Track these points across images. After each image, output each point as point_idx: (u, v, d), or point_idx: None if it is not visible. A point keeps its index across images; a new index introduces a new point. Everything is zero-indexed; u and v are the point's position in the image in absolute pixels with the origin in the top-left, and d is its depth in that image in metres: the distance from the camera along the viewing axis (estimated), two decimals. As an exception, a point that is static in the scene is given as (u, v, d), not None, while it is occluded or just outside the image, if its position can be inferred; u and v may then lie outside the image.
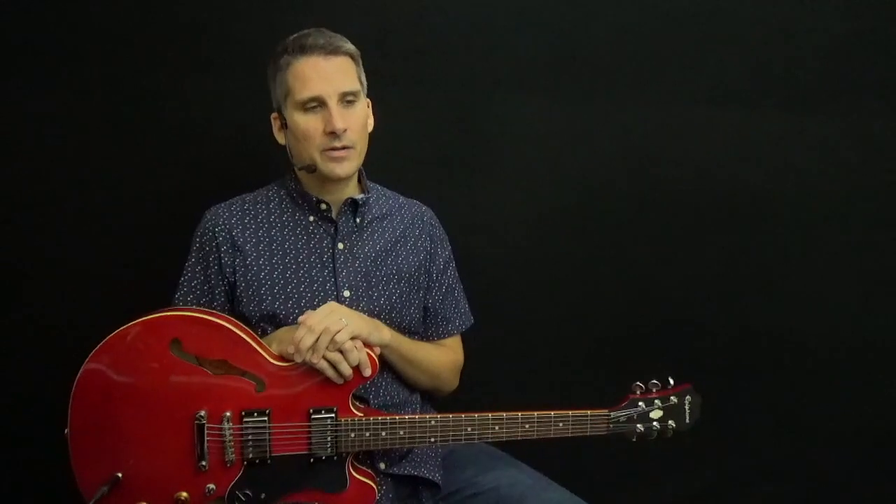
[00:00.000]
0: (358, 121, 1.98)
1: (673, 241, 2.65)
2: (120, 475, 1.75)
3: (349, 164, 1.98)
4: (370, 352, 1.82)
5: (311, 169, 1.98)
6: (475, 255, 2.44)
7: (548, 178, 2.59)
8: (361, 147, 2.01)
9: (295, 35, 1.98)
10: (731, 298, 2.70)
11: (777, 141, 2.67)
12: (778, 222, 2.69)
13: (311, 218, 2.05)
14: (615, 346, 2.66)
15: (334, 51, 1.95)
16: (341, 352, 1.77)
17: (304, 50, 1.94)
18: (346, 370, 1.78)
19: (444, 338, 2.18)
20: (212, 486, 1.78)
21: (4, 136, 2.37)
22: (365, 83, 2.05)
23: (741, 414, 2.69)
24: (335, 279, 2.00)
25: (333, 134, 1.93)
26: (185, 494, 1.77)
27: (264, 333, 1.95)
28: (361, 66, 2.04)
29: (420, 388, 2.10)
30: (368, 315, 1.96)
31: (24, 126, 2.38)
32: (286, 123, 2.00)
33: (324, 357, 1.76)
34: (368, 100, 2.09)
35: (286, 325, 1.94)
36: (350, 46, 1.99)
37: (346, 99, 1.96)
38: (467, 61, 2.52)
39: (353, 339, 1.79)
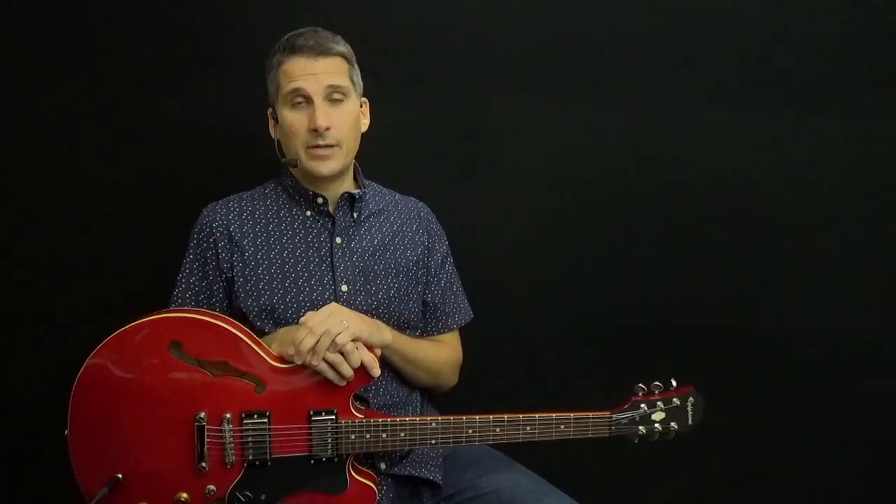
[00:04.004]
0: (345, 120, 1.99)
1: (673, 241, 2.65)
2: (120, 476, 1.75)
3: (333, 163, 1.99)
4: (374, 352, 1.82)
5: (294, 164, 2.00)
6: (475, 255, 2.44)
7: (548, 177, 2.59)
8: (349, 146, 2.02)
9: (290, 34, 2.00)
10: (732, 298, 2.69)
11: (777, 141, 2.66)
12: (778, 222, 2.68)
13: (308, 213, 2.06)
14: (616, 347, 2.65)
15: (324, 52, 1.96)
16: (342, 353, 1.77)
17: (293, 50, 1.96)
18: (347, 371, 1.77)
19: (443, 332, 2.18)
20: (212, 487, 1.78)
21: (4, 135, 2.38)
22: (359, 83, 2.06)
23: (741, 414, 2.69)
24: (333, 273, 2.00)
25: (316, 132, 1.94)
26: (185, 495, 1.77)
27: (263, 328, 1.95)
28: (356, 67, 2.05)
29: (420, 386, 2.11)
30: (367, 309, 1.97)
31: (23, 125, 2.39)
32: (277, 119, 2.02)
33: (324, 359, 1.76)
34: (365, 100, 2.10)
35: (285, 318, 1.95)
36: (342, 48, 2.00)
37: (333, 96, 1.97)
38: (467, 61, 2.51)
39: (353, 340, 1.78)
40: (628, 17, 2.56)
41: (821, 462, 2.77)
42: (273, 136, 2.08)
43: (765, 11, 2.60)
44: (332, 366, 1.77)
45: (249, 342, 1.80)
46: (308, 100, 1.95)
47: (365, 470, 1.88)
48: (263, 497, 1.79)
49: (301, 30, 1.99)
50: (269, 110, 2.07)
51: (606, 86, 2.58)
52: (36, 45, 2.35)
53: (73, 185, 2.42)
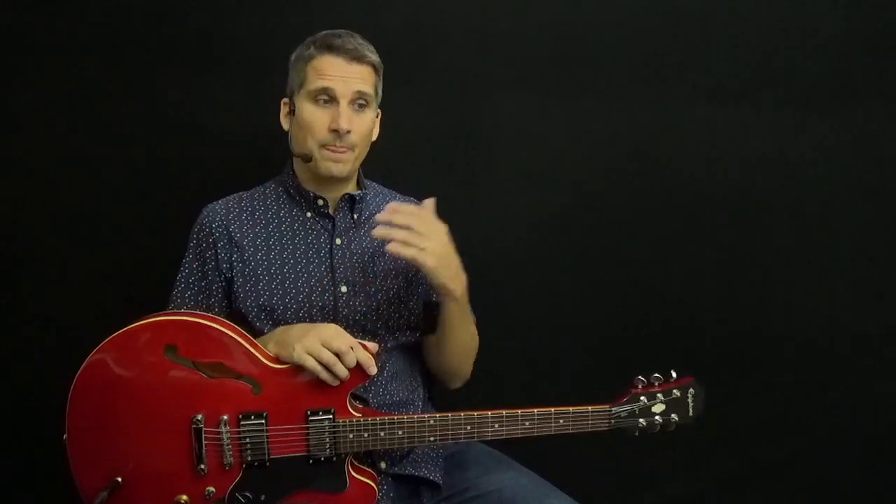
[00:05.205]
0: (363, 127, 2.01)
1: (672, 240, 2.64)
2: (120, 480, 1.75)
3: (344, 166, 2.00)
4: (370, 350, 1.80)
5: (307, 158, 2.00)
6: (475, 254, 2.39)
7: (547, 177, 2.59)
8: (360, 152, 2.04)
9: (326, 32, 2.02)
10: (731, 297, 2.68)
11: (777, 141, 2.65)
12: (778, 222, 2.67)
13: (309, 214, 2.06)
14: (616, 347, 2.64)
15: (359, 58, 1.98)
16: (337, 354, 1.76)
17: (331, 49, 1.97)
18: (342, 372, 1.76)
19: None
20: (211, 489, 1.77)
21: (5, 134, 2.40)
22: (380, 94, 2.09)
23: (741, 414, 2.67)
24: (332, 274, 2.00)
25: (336, 133, 1.95)
26: (185, 498, 1.76)
27: (262, 329, 1.95)
28: (381, 79, 2.07)
29: (445, 368, 2.11)
30: (366, 310, 1.99)
31: (24, 125, 2.41)
32: (294, 111, 2.02)
33: (318, 360, 1.75)
34: (379, 111, 2.12)
35: (284, 318, 1.95)
36: (375, 58, 2.03)
37: (358, 102, 1.99)
38: (467, 61, 2.52)
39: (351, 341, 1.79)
40: (628, 16, 2.56)
41: (821, 462, 2.75)
42: (285, 126, 2.09)
43: (765, 11, 2.60)
44: (325, 366, 1.76)
45: (245, 343, 1.80)
46: (334, 100, 1.96)
47: (364, 468, 1.87)
48: (263, 498, 1.79)
49: (337, 31, 2.02)
50: (285, 100, 2.08)
51: (606, 85, 2.58)
52: (35, 44, 2.38)
53: (73, 185, 2.44)
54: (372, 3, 2.46)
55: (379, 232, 1.83)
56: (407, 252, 1.81)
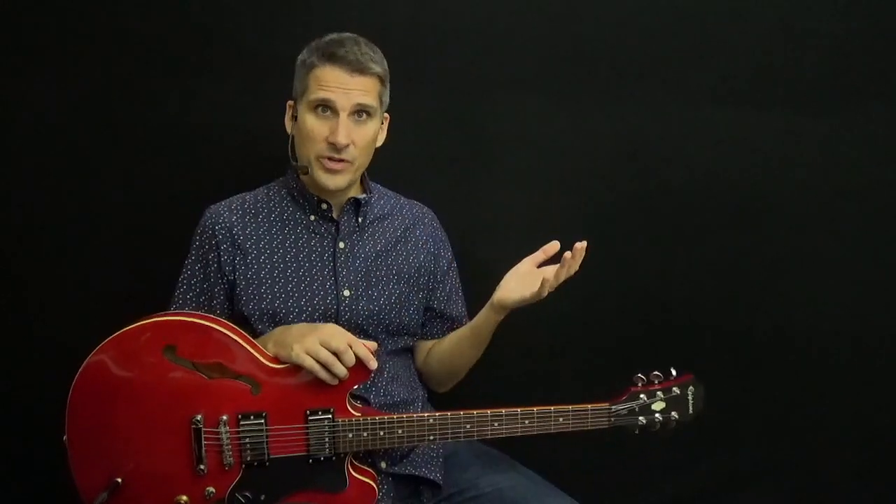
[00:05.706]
0: (364, 138, 1.97)
1: (672, 240, 2.63)
2: (119, 480, 1.75)
3: (342, 178, 1.97)
4: (369, 348, 1.80)
5: (304, 171, 1.98)
6: (475, 255, 2.42)
7: (548, 177, 2.58)
8: (361, 163, 2.01)
9: (331, 38, 1.98)
10: (731, 297, 2.67)
11: (777, 141, 2.64)
12: (778, 222, 2.66)
13: (312, 217, 2.05)
14: (615, 344, 2.64)
15: (361, 70, 1.94)
16: (335, 353, 1.76)
17: (332, 59, 1.93)
18: (341, 371, 1.76)
19: (447, 335, 2.19)
20: (211, 489, 1.77)
21: (5, 134, 2.40)
22: (386, 102, 2.06)
23: (740, 414, 2.67)
24: (335, 278, 2.00)
25: (334, 145, 1.93)
26: (184, 498, 1.77)
27: (264, 332, 1.94)
28: (387, 87, 2.04)
29: (444, 372, 2.16)
30: (368, 315, 1.99)
31: (25, 126, 2.41)
32: (296, 116, 2.00)
33: (317, 359, 1.75)
34: (387, 115, 2.10)
35: (286, 322, 1.95)
36: (379, 68, 1.98)
37: (358, 114, 1.95)
38: (467, 61, 2.51)
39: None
40: (628, 16, 2.55)
41: (821, 462, 2.75)
42: (288, 130, 2.06)
43: (765, 11, 2.59)
44: (324, 365, 1.76)
45: (244, 343, 1.80)
46: (334, 112, 1.93)
47: (364, 468, 1.87)
48: (263, 497, 1.79)
49: (341, 36, 1.98)
50: (290, 102, 2.05)
51: (606, 86, 2.57)
52: (35, 44, 2.38)
53: (76, 186, 2.44)
54: (372, 3, 2.45)
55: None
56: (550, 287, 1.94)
